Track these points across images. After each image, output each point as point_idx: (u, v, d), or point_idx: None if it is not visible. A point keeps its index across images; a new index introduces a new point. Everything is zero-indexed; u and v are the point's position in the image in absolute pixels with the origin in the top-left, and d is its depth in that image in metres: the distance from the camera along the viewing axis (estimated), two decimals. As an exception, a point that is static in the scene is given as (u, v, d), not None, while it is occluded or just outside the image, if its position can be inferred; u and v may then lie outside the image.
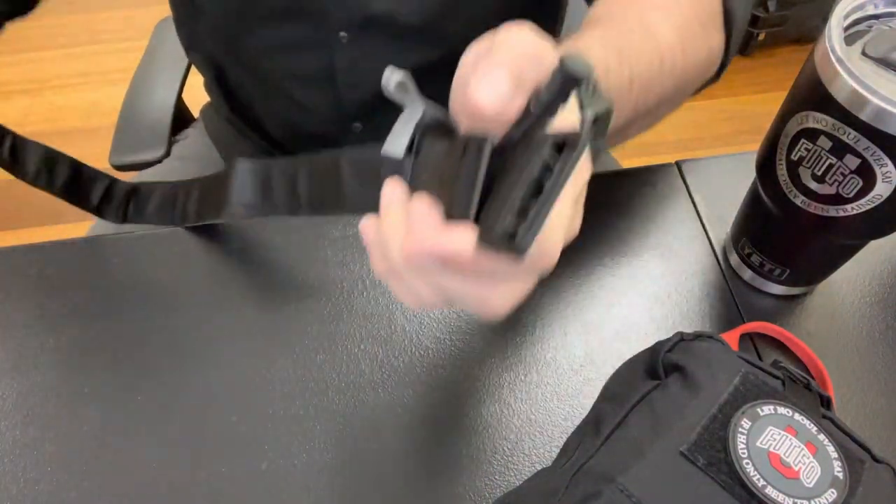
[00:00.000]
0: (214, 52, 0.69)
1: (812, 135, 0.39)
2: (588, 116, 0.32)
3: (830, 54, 0.37)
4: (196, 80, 0.80)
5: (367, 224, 0.30)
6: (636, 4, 0.44)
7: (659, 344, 0.38)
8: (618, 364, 0.41)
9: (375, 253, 0.29)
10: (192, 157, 0.80)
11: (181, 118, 0.87)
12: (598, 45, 0.38)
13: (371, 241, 0.30)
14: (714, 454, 0.31)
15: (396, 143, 0.30)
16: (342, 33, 0.58)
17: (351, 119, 0.66)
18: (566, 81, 0.23)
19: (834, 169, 0.39)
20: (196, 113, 0.88)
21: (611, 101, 0.35)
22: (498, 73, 0.24)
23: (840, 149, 0.38)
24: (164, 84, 0.84)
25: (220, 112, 0.77)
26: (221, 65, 0.70)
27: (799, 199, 0.42)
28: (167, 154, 0.78)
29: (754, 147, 0.47)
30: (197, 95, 0.84)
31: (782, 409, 0.32)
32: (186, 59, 0.83)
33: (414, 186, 0.29)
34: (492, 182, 0.25)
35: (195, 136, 0.83)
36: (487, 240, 0.23)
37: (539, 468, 0.41)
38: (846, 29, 0.39)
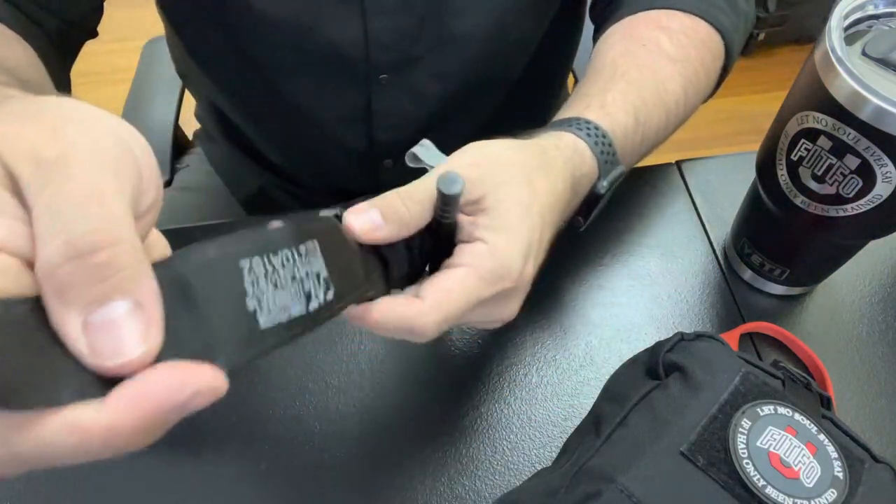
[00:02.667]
0: (224, 96, 0.66)
1: (812, 135, 0.39)
2: (604, 185, 0.41)
3: (830, 54, 0.37)
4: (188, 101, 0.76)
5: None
6: (650, 53, 0.48)
7: (659, 344, 0.38)
8: (618, 364, 0.41)
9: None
10: (195, 187, 0.77)
11: (178, 144, 0.82)
12: (621, 110, 0.43)
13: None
14: (714, 454, 0.31)
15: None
16: (383, 75, 0.57)
17: (382, 157, 0.64)
18: (442, 196, 0.30)
19: (834, 169, 0.39)
20: (190, 135, 0.84)
21: (623, 166, 0.43)
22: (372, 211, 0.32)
23: (840, 149, 0.38)
24: (159, 110, 0.79)
25: (217, 141, 0.74)
26: (228, 105, 0.68)
27: (799, 199, 0.42)
28: (169, 183, 0.75)
29: (754, 147, 0.48)
30: (192, 118, 0.80)
31: (782, 409, 0.32)
32: (180, 81, 0.78)
33: None
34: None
35: (196, 165, 0.79)
36: None
37: (539, 468, 0.41)
38: (846, 29, 0.39)
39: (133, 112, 0.80)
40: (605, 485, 0.31)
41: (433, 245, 0.34)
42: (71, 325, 0.17)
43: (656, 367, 0.37)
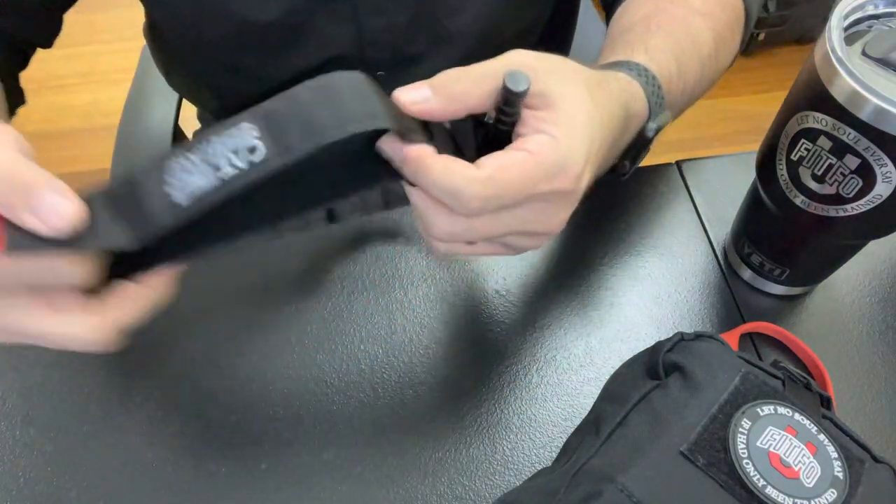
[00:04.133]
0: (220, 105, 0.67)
1: (812, 135, 0.39)
2: (652, 127, 0.41)
3: (830, 54, 0.37)
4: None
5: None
6: (680, 7, 0.47)
7: (659, 344, 0.38)
8: (618, 364, 0.41)
9: (442, 213, 0.32)
10: None
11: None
12: (662, 54, 0.43)
13: (430, 204, 0.32)
14: (714, 454, 0.31)
15: None
16: (380, 72, 0.57)
17: None
18: (508, 93, 0.30)
19: (834, 169, 0.39)
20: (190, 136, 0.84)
21: (669, 112, 0.42)
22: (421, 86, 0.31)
23: (840, 149, 0.38)
24: (159, 110, 0.79)
25: None
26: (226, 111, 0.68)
27: (799, 199, 0.42)
28: None
29: (754, 147, 0.47)
30: (192, 118, 0.81)
31: (782, 409, 0.32)
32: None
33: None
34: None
35: None
36: None
37: (539, 468, 0.41)
38: (846, 29, 0.39)
39: (133, 112, 0.80)
40: (605, 485, 0.31)
41: (481, 148, 0.33)
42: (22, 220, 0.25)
43: (656, 367, 0.37)
